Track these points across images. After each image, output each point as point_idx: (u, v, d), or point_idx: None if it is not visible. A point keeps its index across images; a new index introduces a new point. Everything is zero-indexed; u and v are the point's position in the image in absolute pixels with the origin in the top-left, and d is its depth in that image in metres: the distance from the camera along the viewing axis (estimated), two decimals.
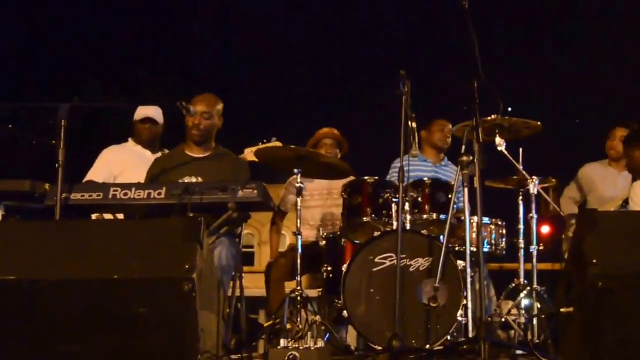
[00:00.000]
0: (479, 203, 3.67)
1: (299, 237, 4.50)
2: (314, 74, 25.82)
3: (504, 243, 5.00)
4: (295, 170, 4.58)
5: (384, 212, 4.64)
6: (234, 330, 4.25)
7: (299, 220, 4.53)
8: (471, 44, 3.80)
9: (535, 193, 4.85)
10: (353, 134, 6.08)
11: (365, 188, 4.71)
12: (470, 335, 3.76)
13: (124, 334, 3.08)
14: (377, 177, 4.77)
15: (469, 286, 3.96)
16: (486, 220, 4.89)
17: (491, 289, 5.13)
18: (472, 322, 3.81)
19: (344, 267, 4.44)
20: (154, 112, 5.33)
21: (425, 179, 4.78)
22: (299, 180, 4.53)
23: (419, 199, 4.66)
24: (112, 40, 22.55)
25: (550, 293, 4.70)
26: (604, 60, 21.78)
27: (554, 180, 5.16)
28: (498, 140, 4.70)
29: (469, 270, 3.98)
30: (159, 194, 4.08)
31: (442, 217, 4.59)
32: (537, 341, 4.55)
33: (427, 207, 4.65)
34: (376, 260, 4.37)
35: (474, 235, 4.35)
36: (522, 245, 4.94)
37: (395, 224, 4.50)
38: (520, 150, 4.97)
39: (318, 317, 4.43)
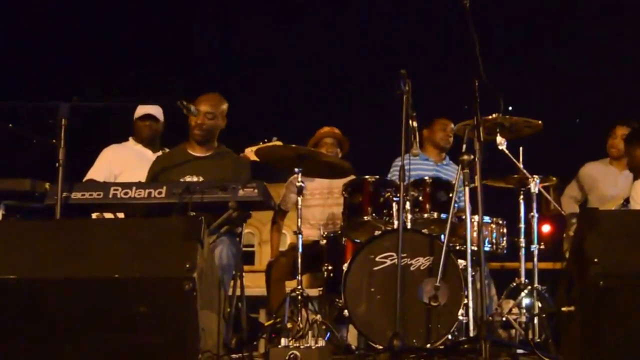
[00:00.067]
0: (480, 202, 3.67)
1: (300, 236, 4.49)
2: (314, 73, 25.85)
3: (504, 242, 5.00)
4: (296, 169, 4.58)
5: (384, 211, 4.64)
6: (234, 330, 4.25)
7: (299, 219, 4.53)
8: (472, 43, 3.80)
9: (536, 192, 4.85)
10: (353, 133, 6.07)
11: (365, 187, 4.71)
12: (471, 335, 3.77)
13: (124, 333, 3.07)
14: (377, 176, 4.77)
15: (469, 285, 3.94)
16: (487, 219, 4.89)
17: (492, 288, 5.12)
18: (472, 321, 3.81)
19: (345, 266, 4.44)
20: (154, 109, 5.33)
21: (426, 177, 4.78)
22: (299, 179, 4.53)
23: (420, 198, 4.66)
24: (112, 40, 22.59)
25: (551, 292, 4.70)
26: (604, 60, 21.81)
27: (554, 179, 5.14)
28: (499, 139, 4.70)
29: (469, 269, 3.97)
30: (160, 193, 4.08)
31: (443, 216, 4.58)
32: (538, 340, 4.55)
33: (427, 206, 4.65)
34: (377, 259, 4.37)
35: (475, 234, 4.33)
36: (522, 244, 4.93)
37: (395, 222, 4.50)
38: (521, 149, 4.96)
39: (319, 316, 4.43)
